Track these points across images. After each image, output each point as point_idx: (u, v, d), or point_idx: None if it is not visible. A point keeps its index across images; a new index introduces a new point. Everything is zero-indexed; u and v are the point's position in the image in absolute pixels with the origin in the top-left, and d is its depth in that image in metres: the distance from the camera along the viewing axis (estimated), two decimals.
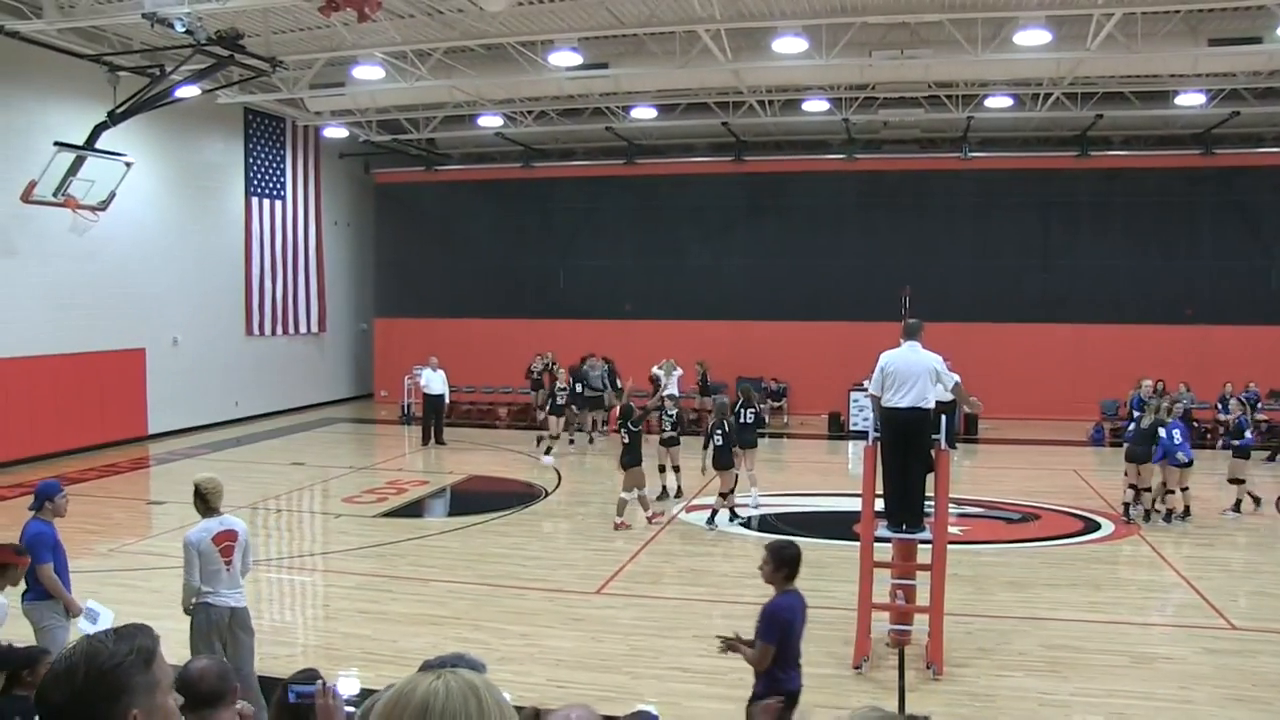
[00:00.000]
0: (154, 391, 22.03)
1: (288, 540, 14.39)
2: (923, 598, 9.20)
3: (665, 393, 18.02)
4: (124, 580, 11.58)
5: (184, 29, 15.20)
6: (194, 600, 7.32)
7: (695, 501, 16.09)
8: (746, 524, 14.26)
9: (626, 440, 14.47)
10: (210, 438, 22.75)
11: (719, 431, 14.49)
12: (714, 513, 14.33)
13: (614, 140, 27.00)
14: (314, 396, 28.26)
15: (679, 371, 22.88)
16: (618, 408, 16.38)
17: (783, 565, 6.09)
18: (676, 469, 16.59)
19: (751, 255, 26.68)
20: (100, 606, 7.17)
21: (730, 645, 6.05)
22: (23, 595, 7.68)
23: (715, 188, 26.97)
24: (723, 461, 14.41)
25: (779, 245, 26.53)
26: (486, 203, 28.72)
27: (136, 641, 2.29)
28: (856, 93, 21.98)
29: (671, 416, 16.74)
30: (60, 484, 8.02)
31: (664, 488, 16.36)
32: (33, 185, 17.73)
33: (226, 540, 7.36)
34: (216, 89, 20.44)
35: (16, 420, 18.61)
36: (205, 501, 7.34)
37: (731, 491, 14.44)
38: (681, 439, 16.89)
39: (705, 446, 14.88)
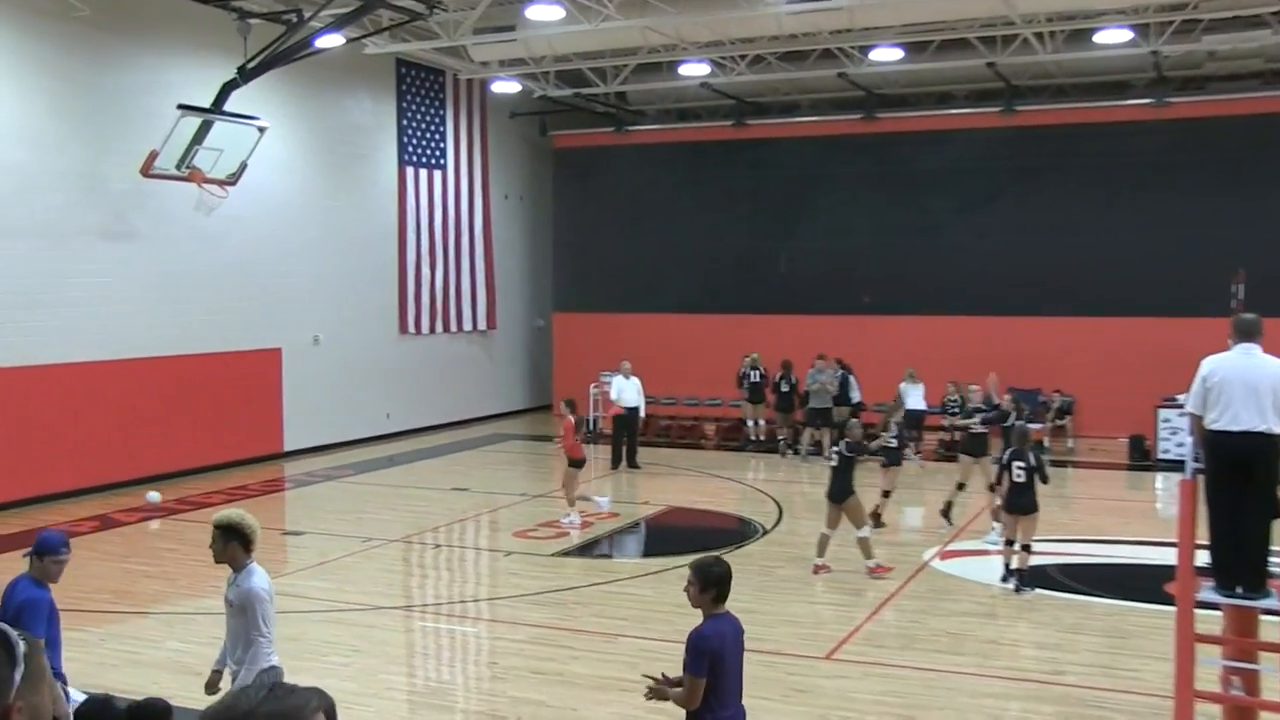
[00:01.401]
0: (291, 400, 23.12)
1: (447, 582, 14.79)
2: (1271, 689, 8.58)
3: (905, 407, 17.74)
4: None
5: None
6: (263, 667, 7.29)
7: (953, 546, 15.64)
8: (1022, 582, 13.72)
9: (835, 464, 14.19)
10: (356, 456, 23.67)
11: (1019, 464, 13.45)
12: (1015, 571, 13.55)
13: (848, 90, 26.62)
14: (480, 408, 29.05)
15: (920, 385, 22.37)
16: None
17: (710, 585, 6.35)
18: (887, 494, 16.56)
19: (1024, 232, 25.79)
20: (75, 692, 7.21)
21: (657, 692, 6.38)
22: None
23: (977, 146, 26.21)
24: (1022, 504, 13.46)
25: (1061, 218, 25.53)
26: (689, 170, 28.86)
27: (286, 701, 2.29)
28: (1170, 15, 20.91)
29: (894, 433, 16.67)
30: (64, 538, 7.75)
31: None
32: (153, 156, 18.90)
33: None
34: (363, 37, 21.26)
35: (133, 433, 19.86)
36: (249, 543, 7.31)
37: (1027, 548, 13.53)
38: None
39: (997, 481, 14.24)
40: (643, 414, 22.57)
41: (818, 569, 14.16)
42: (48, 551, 7.58)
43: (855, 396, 23.61)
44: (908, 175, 26.85)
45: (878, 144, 27.04)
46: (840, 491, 14.05)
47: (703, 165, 28.74)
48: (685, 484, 20.76)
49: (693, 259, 28.59)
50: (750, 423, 24.93)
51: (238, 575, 7.30)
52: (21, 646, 2.45)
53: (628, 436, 22.22)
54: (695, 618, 6.40)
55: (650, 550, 16.68)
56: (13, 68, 18.07)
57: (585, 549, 15.68)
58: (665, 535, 17.44)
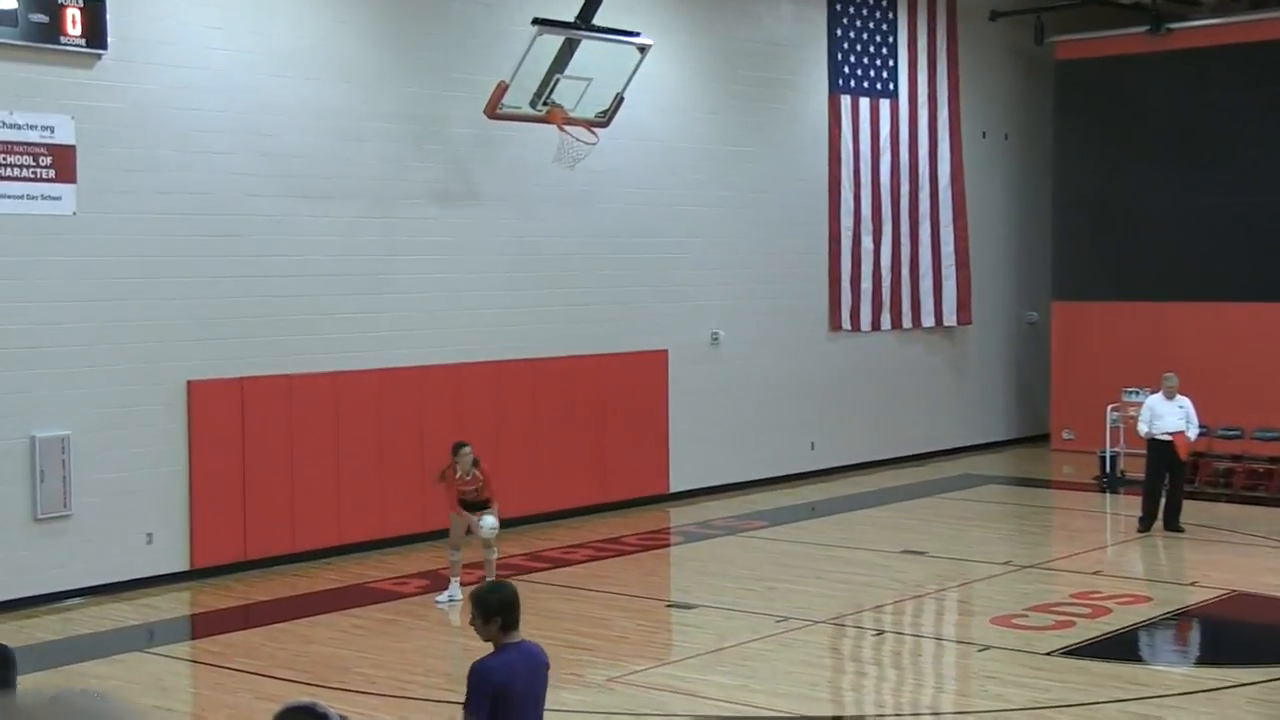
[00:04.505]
0: (680, 422, 23.49)
1: (894, 684, 14.60)
2: None
3: None
4: None
5: None
6: None
7: None
8: None
9: None
10: (767, 500, 23.88)
11: None
12: None
13: None
14: (945, 437, 28.80)
15: None
16: None
17: (493, 613, 7.51)
18: None
19: None
20: None
21: None
22: None
23: None
24: None
25: None
26: (1269, 85, 27.56)
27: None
28: None
29: None
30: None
31: None
32: (501, 90, 19.56)
33: None
34: None
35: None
36: None
37: None
38: None
39: None
40: (1191, 437, 21.35)
41: None
42: None
43: None
44: None
45: None
46: None
47: None
48: (1257, 558, 19.88)
49: (1274, 222, 27.38)
50: None
51: None
52: None
53: (1169, 484, 21.25)
54: None
55: (1204, 655, 16.05)
56: None
57: (1101, 646, 15.08)
58: (1226, 633, 16.76)
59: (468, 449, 16.84)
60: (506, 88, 19.60)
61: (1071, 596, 17.20)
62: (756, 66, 24.84)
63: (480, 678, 7.37)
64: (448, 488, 16.77)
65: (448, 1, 20.28)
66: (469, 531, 16.72)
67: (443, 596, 16.80)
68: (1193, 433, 21.19)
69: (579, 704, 13.09)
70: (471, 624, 7.68)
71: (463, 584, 16.60)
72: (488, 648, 7.68)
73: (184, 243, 17.73)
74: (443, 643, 15.43)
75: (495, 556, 16.91)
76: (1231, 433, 25.56)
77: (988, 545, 20.73)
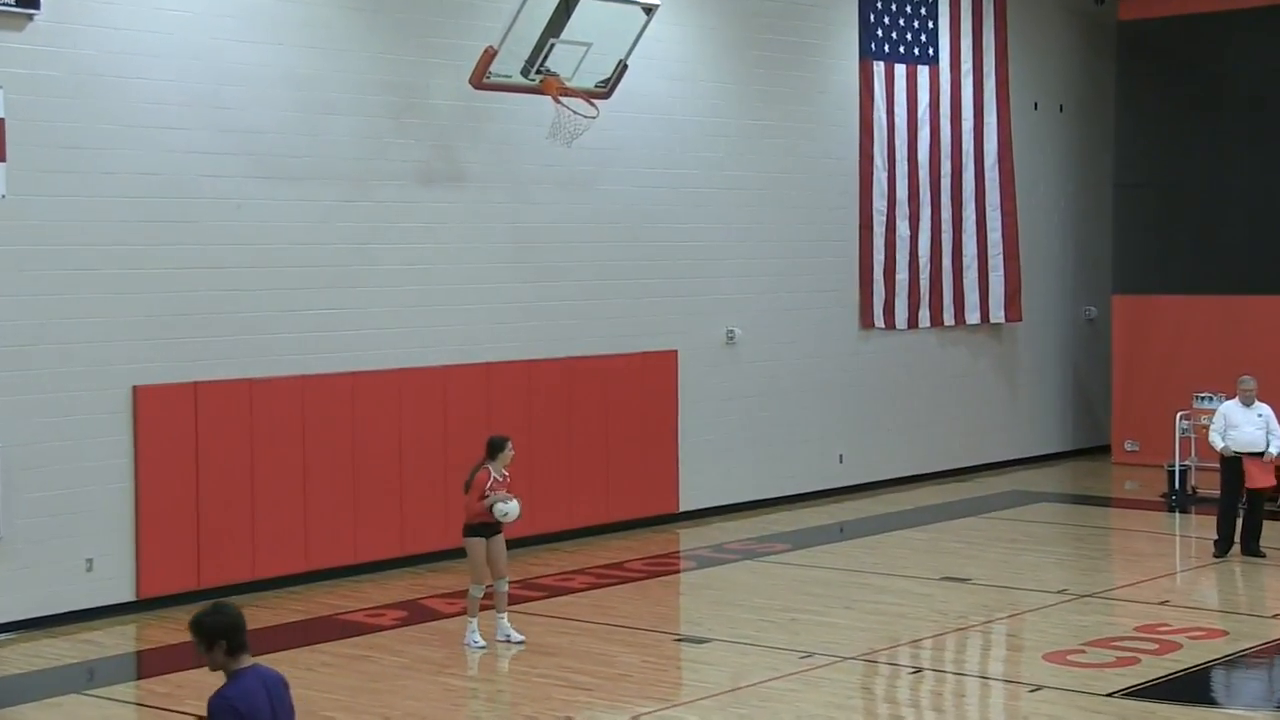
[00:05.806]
0: (690, 432, 23.45)
1: None
2: None
3: None
4: None
5: None
6: None
7: None
8: None
9: None
10: (789, 521, 23.86)
11: None
12: None
13: None
14: (993, 449, 28.82)
15: None
16: None
17: (216, 638, 7.32)
18: None
19: None
20: None
21: None
22: None
23: None
24: None
25: None
26: None
27: None
28: None
29: None
30: None
31: None
32: (489, 56, 19.45)
33: None
34: None
35: (456, 478, 20.32)
36: None
37: None
38: None
39: None
40: (1273, 452, 21.24)
41: None
42: None
43: None
44: None
45: None
46: None
47: None
48: None
49: None
50: None
51: None
52: None
53: (1246, 503, 21.13)
54: None
55: None
56: None
57: (1169, 687, 14.94)
58: None
59: (510, 443, 16.43)
60: (495, 54, 19.48)
61: (1136, 630, 17.11)
62: (778, 29, 24.76)
63: (220, 709, 7.23)
64: (474, 496, 16.08)
65: None
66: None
67: (477, 640, 16.29)
68: (1275, 445, 21.04)
69: None
70: (198, 656, 7.52)
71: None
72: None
73: (131, 230, 17.59)
74: (421, 682, 15.25)
75: (506, 587, 16.66)
76: None
77: (1040, 571, 20.65)
